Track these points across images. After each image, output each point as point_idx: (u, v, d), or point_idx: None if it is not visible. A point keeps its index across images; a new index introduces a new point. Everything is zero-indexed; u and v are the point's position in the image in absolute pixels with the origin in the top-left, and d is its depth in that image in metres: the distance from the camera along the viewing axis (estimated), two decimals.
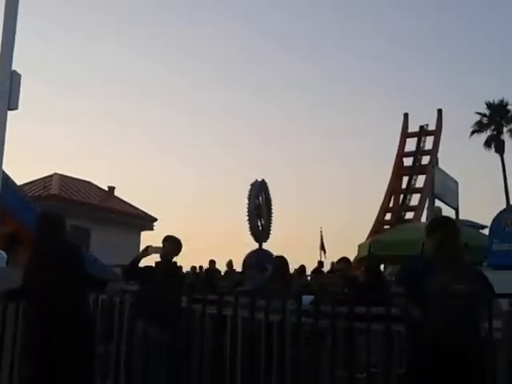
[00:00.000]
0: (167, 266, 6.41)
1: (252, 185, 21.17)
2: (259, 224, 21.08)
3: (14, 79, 5.82)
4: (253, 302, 4.80)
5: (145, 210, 27.51)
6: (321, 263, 18.53)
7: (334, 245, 36.75)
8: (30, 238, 12.62)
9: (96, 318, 5.36)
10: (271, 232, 21.44)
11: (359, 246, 13.91)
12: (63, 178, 25.68)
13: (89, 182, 27.78)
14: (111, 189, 28.23)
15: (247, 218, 20.71)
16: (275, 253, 10.80)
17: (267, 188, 21.53)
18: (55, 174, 25.56)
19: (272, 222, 21.52)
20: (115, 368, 5.46)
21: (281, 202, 51.34)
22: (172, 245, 6.52)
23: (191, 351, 5.63)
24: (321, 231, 27.86)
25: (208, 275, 8.75)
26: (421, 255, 4.56)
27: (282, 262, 8.04)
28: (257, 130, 63.39)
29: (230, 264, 13.56)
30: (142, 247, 6.94)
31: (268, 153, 60.61)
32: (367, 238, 19.12)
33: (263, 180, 21.71)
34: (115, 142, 55.58)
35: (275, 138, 63.06)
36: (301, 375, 5.07)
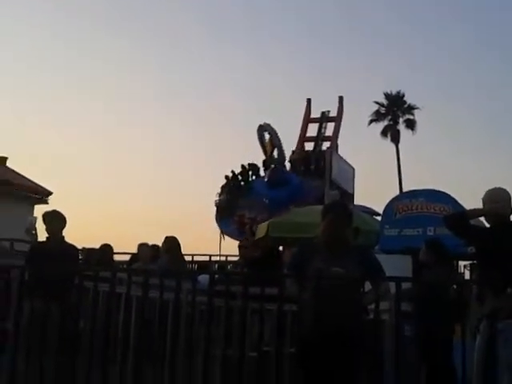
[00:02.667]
0: (55, 241, 6.27)
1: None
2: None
3: None
4: (146, 280, 4.73)
5: (39, 183, 26.50)
6: None
7: None
8: None
9: None
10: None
11: (259, 227, 14.07)
12: None
13: None
14: (3, 159, 26.95)
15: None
16: None
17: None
18: None
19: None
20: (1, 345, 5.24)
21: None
22: (54, 220, 6.41)
23: (81, 329, 5.48)
24: None
25: (102, 253, 8.52)
26: (313, 238, 4.67)
27: (176, 242, 8.01)
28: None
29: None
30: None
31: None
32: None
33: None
34: (9, 110, 52.95)
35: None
36: (194, 354, 5.07)
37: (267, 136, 24.68)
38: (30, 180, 26.31)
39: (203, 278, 6.05)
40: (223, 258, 19.64)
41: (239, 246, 8.55)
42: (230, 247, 21.47)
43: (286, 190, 20.26)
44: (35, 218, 7.17)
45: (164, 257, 7.98)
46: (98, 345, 5.13)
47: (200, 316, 5.71)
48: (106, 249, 8.60)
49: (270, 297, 4.69)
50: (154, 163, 57.37)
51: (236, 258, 13.58)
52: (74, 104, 57.25)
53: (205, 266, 15.04)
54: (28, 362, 5.15)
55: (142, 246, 8.55)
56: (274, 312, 5.24)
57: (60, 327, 5.23)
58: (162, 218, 42.53)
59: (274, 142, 24.33)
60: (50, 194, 26.70)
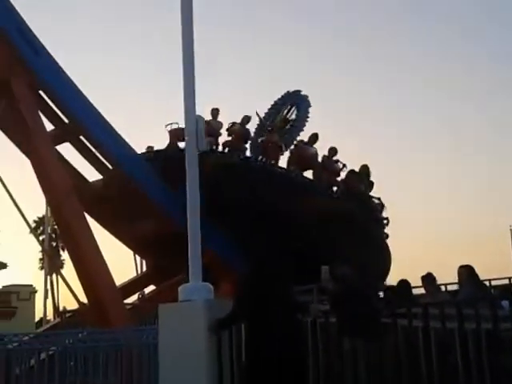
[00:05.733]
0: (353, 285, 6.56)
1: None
2: None
3: (199, 123, 6.40)
4: (460, 312, 4.67)
5: None
6: None
7: None
8: (224, 267, 13.36)
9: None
10: None
11: None
12: None
13: None
14: None
15: None
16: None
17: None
18: None
19: None
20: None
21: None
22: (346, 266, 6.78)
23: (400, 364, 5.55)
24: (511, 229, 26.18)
25: (401, 289, 8.55)
26: None
27: (473, 270, 7.75)
28: None
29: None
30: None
31: None
32: None
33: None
34: None
35: None
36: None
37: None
38: None
39: (505, 304, 5.79)
40: None
41: None
42: None
43: None
44: (328, 268, 7.73)
45: (465, 286, 7.80)
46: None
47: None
48: (404, 285, 8.63)
49: None
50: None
51: None
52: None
53: (506, 290, 14.12)
54: None
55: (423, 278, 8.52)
56: None
57: (371, 363, 5.42)
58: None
59: (301, 114, 17.40)
60: None
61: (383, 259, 17.13)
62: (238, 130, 16.18)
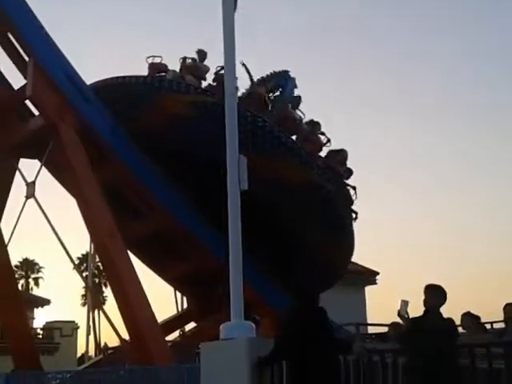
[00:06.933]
0: (435, 317, 5.72)
1: None
2: None
3: (241, 163, 6.51)
4: (508, 352, 4.56)
5: (365, 265, 27.56)
6: None
7: None
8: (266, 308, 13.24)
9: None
10: None
11: None
12: None
13: None
14: None
15: None
16: None
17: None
18: None
19: None
20: None
21: None
22: (433, 294, 6.06)
23: None
24: None
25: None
26: None
27: None
28: None
29: None
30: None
31: None
32: None
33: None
34: None
35: None
36: None
37: None
38: (356, 264, 27.57)
39: None
40: None
41: None
42: None
43: None
44: (407, 302, 7.05)
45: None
46: None
47: None
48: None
49: None
50: None
51: None
52: None
53: None
54: None
55: (465, 316, 8.21)
56: None
57: None
58: None
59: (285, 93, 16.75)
60: (377, 274, 27.58)
61: (348, 257, 15.97)
62: None
